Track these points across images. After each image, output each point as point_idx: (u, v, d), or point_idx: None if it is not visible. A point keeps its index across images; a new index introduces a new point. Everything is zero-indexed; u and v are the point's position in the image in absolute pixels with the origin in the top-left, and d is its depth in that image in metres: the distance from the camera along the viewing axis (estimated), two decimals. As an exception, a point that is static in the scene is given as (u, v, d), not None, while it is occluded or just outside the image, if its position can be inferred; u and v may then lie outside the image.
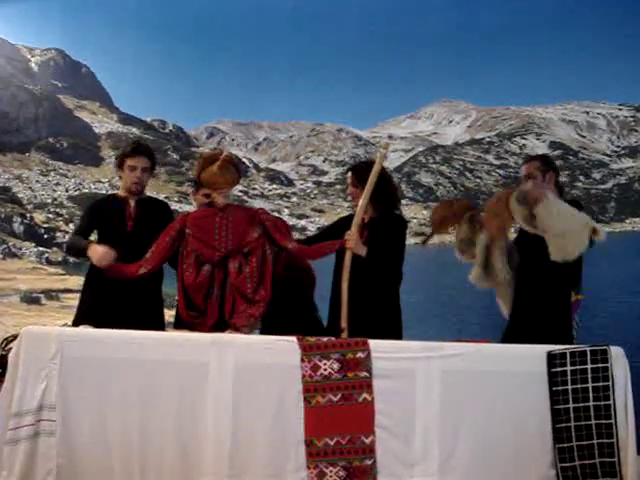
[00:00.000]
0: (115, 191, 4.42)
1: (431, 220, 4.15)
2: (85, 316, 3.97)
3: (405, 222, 4.14)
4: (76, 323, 3.97)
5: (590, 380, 3.26)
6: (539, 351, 3.34)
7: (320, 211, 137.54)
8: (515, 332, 3.89)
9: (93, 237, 4.14)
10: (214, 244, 3.77)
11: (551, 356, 3.31)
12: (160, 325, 4.08)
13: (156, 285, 4.15)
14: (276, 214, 4.46)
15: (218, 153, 3.87)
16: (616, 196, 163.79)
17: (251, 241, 3.79)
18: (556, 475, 3.23)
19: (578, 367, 3.28)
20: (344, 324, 3.66)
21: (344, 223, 4.06)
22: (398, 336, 3.93)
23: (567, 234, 3.67)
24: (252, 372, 3.26)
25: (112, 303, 3.94)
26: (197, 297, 3.75)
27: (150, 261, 3.81)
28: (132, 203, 4.18)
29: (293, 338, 3.33)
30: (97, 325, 3.58)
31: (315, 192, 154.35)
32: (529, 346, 3.42)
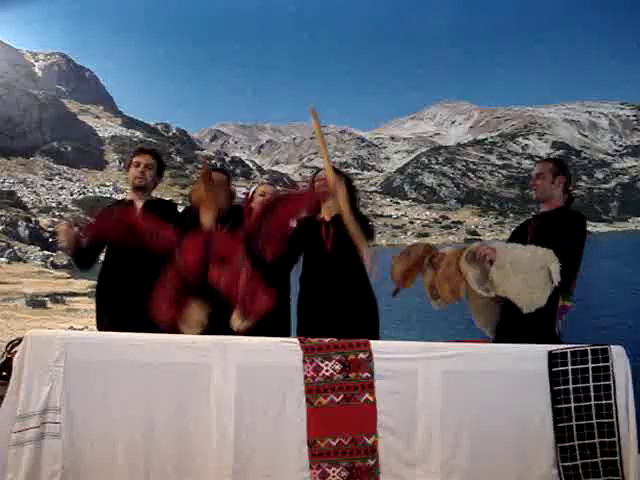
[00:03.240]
0: (119, 194, 4.45)
1: (391, 275, 4.07)
2: (105, 323, 4.02)
3: (367, 219, 4.20)
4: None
5: (591, 379, 3.28)
6: (540, 350, 3.36)
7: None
8: (504, 330, 3.89)
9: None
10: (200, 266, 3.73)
11: (552, 355, 3.32)
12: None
13: None
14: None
15: (206, 176, 3.90)
16: (619, 195, 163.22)
17: (237, 263, 3.73)
18: (558, 474, 3.24)
19: (579, 366, 3.29)
20: (358, 237, 3.74)
21: (308, 223, 4.11)
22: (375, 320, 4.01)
23: (528, 287, 3.68)
24: (254, 373, 3.28)
25: (127, 308, 3.94)
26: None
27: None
28: (139, 204, 4.20)
29: (295, 339, 3.35)
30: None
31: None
32: (530, 346, 3.43)
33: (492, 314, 3.96)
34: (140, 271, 3.90)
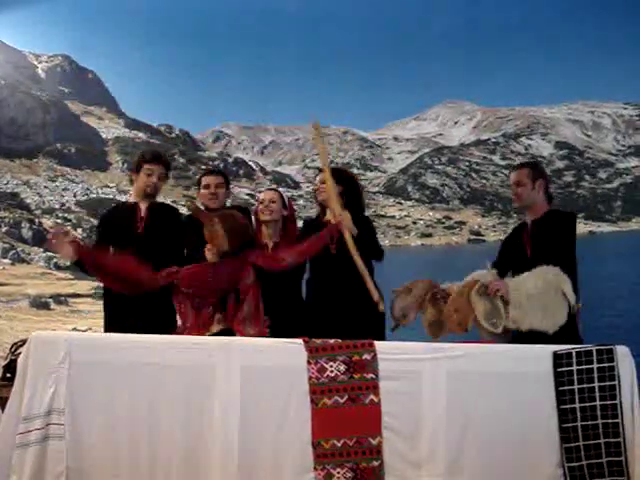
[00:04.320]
0: (122, 196, 4.45)
1: (392, 314, 4.04)
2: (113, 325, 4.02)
3: (370, 221, 4.22)
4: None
5: (596, 379, 3.27)
6: (545, 351, 3.35)
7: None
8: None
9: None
10: (208, 295, 3.76)
11: (557, 356, 3.31)
12: (172, 330, 4.11)
13: (167, 290, 4.18)
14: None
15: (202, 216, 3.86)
16: (622, 195, 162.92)
17: (245, 289, 3.76)
18: (563, 475, 3.24)
19: (584, 367, 3.29)
20: (376, 297, 3.80)
21: (314, 225, 4.11)
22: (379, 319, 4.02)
23: (549, 312, 3.69)
24: (259, 374, 3.28)
25: (128, 312, 3.95)
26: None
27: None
28: (143, 207, 4.21)
29: (299, 340, 3.34)
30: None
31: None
32: (535, 346, 3.42)
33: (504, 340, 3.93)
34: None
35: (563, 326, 3.72)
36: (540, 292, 3.70)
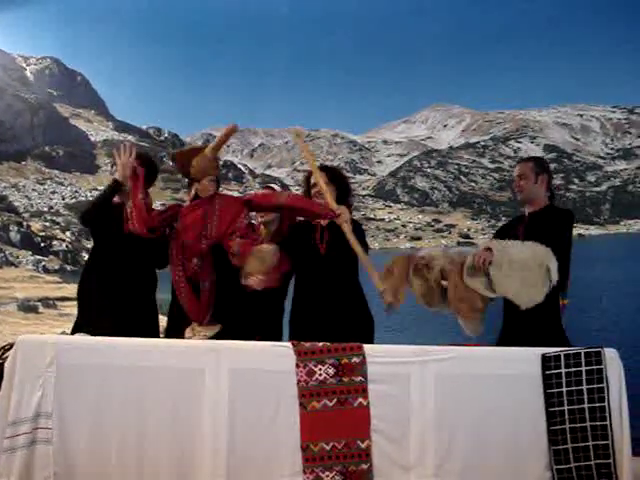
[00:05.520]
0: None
1: (384, 298, 3.94)
2: (81, 325, 3.98)
3: (360, 224, 4.19)
4: (74, 332, 3.97)
5: (585, 382, 3.27)
6: (533, 354, 3.35)
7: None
8: (508, 340, 3.87)
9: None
10: (203, 233, 3.76)
11: (545, 358, 3.32)
12: (155, 332, 4.09)
13: (150, 291, 4.16)
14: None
15: (198, 146, 3.91)
16: (610, 198, 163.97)
17: (241, 227, 3.76)
18: (552, 477, 3.24)
19: (572, 369, 3.29)
20: (382, 288, 3.78)
21: (300, 228, 4.12)
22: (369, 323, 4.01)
23: (526, 285, 3.68)
24: (248, 378, 3.26)
25: (106, 311, 3.94)
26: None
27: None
28: (128, 209, 4.18)
29: (288, 344, 3.34)
30: (93, 334, 3.59)
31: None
32: (523, 349, 3.42)
33: (479, 323, 3.93)
34: (122, 276, 3.96)
35: (549, 323, 3.75)
36: (524, 261, 3.69)
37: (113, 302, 3.94)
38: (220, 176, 4.10)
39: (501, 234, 4.21)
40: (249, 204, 3.85)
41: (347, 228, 3.81)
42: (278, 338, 3.91)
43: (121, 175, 3.92)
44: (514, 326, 3.86)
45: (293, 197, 3.94)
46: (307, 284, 4.03)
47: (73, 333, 3.93)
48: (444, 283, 3.86)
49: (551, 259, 3.68)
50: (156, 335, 4.08)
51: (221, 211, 3.78)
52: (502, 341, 3.95)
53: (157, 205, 4.71)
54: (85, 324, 3.93)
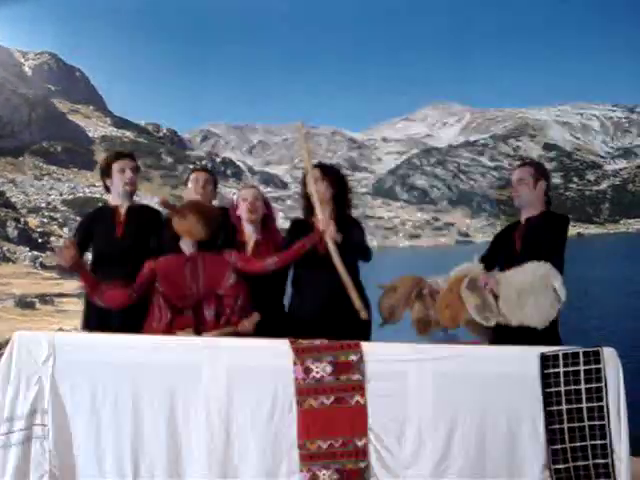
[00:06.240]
0: (109, 195, 4.40)
1: (380, 311, 4.03)
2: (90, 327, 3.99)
3: (359, 221, 4.20)
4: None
5: (583, 381, 3.26)
6: (532, 353, 3.34)
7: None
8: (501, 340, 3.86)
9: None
10: (186, 293, 3.67)
11: (544, 357, 3.31)
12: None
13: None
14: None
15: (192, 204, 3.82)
16: (610, 197, 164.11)
17: (226, 289, 3.70)
18: (550, 477, 3.22)
19: (571, 368, 3.28)
20: (358, 305, 3.74)
21: (301, 225, 4.10)
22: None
23: (539, 307, 3.67)
24: (244, 375, 3.25)
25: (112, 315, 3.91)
26: None
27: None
28: (122, 210, 4.19)
29: (285, 341, 3.32)
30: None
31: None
32: (522, 347, 3.41)
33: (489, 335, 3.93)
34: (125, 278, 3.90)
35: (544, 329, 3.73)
36: (531, 287, 3.68)
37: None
38: (218, 173, 4.08)
39: (497, 242, 4.21)
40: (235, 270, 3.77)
41: (332, 246, 3.79)
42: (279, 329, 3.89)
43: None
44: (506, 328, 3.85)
45: (280, 259, 3.84)
46: (305, 282, 4.02)
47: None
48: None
49: (555, 277, 3.68)
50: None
51: (204, 274, 3.69)
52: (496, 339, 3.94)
53: (155, 202, 4.69)
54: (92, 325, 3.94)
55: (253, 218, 4.11)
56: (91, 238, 4.17)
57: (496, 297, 3.74)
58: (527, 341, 3.51)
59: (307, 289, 4.01)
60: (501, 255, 4.06)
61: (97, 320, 3.93)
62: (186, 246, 3.73)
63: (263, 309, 3.78)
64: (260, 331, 3.66)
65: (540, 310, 3.67)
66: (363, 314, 3.77)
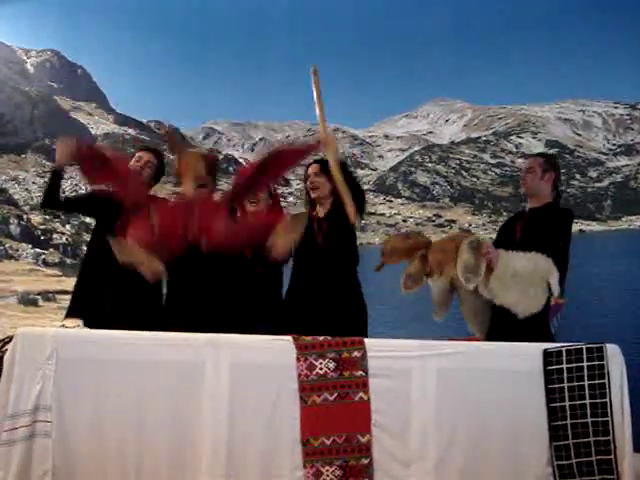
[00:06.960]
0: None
1: (382, 249, 4.07)
2: (81, 309, 3.98)
3: (353, 228, 4.14)
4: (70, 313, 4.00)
5: (586, 378, 3.26)
6: (535, 349, 3.34)
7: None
8: (495, 333, 3.88)
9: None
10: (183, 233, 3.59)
11: (547, 354, 3.30)
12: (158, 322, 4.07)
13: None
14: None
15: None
16: (612, 194, 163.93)
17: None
18: (553, 473, 3.23)
19: (574, 365, 3.28)
20: (350, 208, 3.74)
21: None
22: (363, 319, 4.00)
23: (526, 296, 3.72)
24: (248, 371, 3.25)
25: (110, 298, 3.92)
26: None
27: None
28: None
29: (289, 337, 3.32)
30: (89, 321, 3.60)
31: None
32: (525, 344, 3.41)
33: (485, 318, 3.95)
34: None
35: (534, 315, 3.74)
36: (526, 274, 3.71)
37: (115, 291, 3.91)
38: (220, 170, 4.07)
39: (502, 231, 4.24)
40: (233, 191, 3.75)
41: (332, 156, 3.76)
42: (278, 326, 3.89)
43: (57, 161, 4.03)
44: (501, 328, 3.85)
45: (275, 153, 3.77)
46: (303, 274, 4.03)
47: (67, 317, 3.95)
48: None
49: (552, 273, 3.71)
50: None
51: (199, 217, 3.63)
52: (490, 335, 3.95)
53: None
54: (83, 311, 3.93)
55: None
56: (93, 207, 4.25)
57: (490, 270, 3.77)
58: (518, 335, 3.53)
59: (304, 281, 4.02)
60: (502, 242, 4.07)
61: (87, 306, 3.94)
62: (188, 186, 3.70)
63: (261, 300, 3.80)
64: (258, 322, 3.68)
65: (526, 299, 3.71)
66: (352, 218, 3.74)
